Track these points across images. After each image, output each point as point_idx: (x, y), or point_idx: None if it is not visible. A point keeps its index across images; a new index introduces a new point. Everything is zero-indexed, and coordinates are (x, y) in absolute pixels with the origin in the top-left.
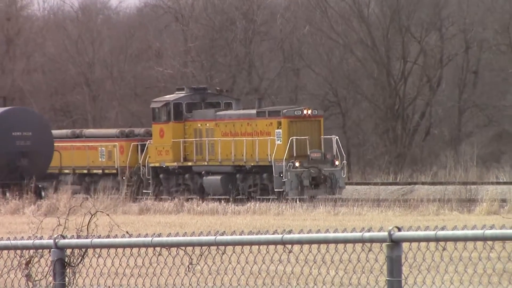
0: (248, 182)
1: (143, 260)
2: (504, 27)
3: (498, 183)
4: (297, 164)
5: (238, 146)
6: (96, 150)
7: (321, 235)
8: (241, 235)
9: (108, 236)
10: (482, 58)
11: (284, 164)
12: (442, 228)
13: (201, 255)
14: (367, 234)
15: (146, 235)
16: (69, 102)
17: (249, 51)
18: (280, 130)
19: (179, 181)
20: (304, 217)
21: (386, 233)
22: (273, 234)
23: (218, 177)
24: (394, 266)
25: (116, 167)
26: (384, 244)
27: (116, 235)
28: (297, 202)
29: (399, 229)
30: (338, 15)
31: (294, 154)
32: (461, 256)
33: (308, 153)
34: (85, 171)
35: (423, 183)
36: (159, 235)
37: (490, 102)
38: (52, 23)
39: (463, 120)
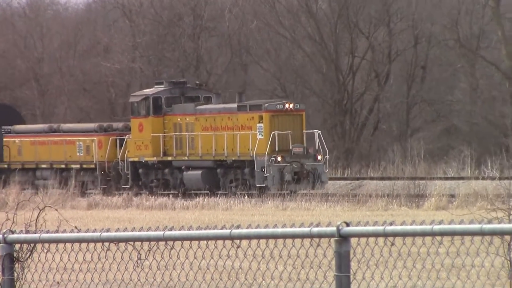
0: (229, 177)
1: (91, 255)
2: (452, 22)
3: (446, 178)
4: (279, 158)
5: (219, 141)
6: (73, 145)
7: (270, 230)
8: (189, 230)
9: (56, 231)
10: (430, 53)
11: (266, 158)
12: (391, 223)
13: (150, 250)
14: (315, 229)
15: (95, 230)
16: (18, 97)
17: (197, 47)
18: (262, 125)
19: (159, 176)
20: (252, 212)
21: (334, 228)
22: (221, 229)
23: (199, 172)
24: (343, 261)
25: (94, 161)
26: (332, 239)
27: (65, 230)
28: (246, 197)
29: (348, 224)
30: (286, 10)
31: (276, 149)
32: (409, 251)
33: (290, 147)
34: (63, 166)
35: (371, 178)
36: (108, 230)
37: (438, 97)
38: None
39: (411, 115)
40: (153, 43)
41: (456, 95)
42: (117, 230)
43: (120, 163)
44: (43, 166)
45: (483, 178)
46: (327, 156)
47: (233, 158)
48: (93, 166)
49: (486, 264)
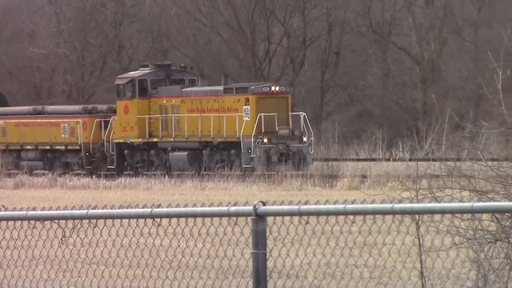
0: (215, 158)
1: (18, 233)
2: (365, 9)
3: (358, 159)
4: (265, 140)
5: (205, 122)
6: (58, 127)
7: (189, 209)
8: (112, 209)
9: None
10: (343, 39)
11: (252, 140)
12: (305, 203)
13: (74, 228)
14: (233, 209)
15: (21, 209)
16: None
17: (119, 33)
18: (248, 107)
19: (144, 157)
20: (172, 191)
21: (251, 208)
22: (142, 208)
23: (185, 153)
24: (259, 239)
25: (79, 143)
26: (249, 218)
27: None
28: (166, 177)
29: (264, 204)
30: (206, 0)
31: (263, 131)
32: (323, 230)
33: (276, 129)
34: (48, 147)
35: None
36: (34, 209)
37: (351, 82)
38: None
39: (325, 99)
40: (77, 29)
41: (368, 80)
42: (43, 208)
43: (105, 144)
44: (28, 147)
45: (394, 160)
46: (312, 138)
47: (220, 140)
48: (77, 147)
49: (397, 242)
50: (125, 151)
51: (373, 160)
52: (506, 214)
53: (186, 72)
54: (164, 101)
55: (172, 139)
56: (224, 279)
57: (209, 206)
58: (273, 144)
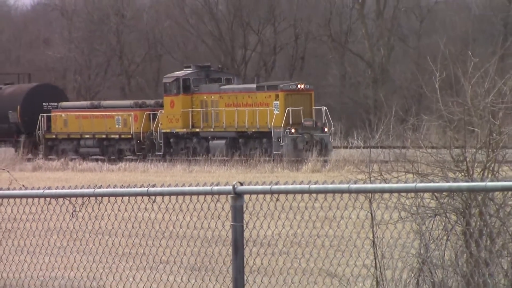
0: (249, 146)
1: (36, 208)
2: (326, 21)
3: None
4: (292, 130)
5: (241, 115)
6: (113, 119)
7: (179, 188)
8: (114, 188)
9: (8, 189)
10: (307, 47)
11: (281, 130)
12: (276, 183)
13: (83, 204)
14: (215, 188)
15: (39, 188)
16: None
17: (120, 40)
18: (278, 102)
19: (187, 145)
20: (165, 174)
21: (230, 187)
22: (140, 187)
23: (223, 141)
24: (237, 214)
25: (131, 132)
26: (229, 196)
27: (14, 187)
28: (160, 162)
29: (241, 184)
30: (193, 12)
31: (290, 122)
32: (291, 206)
33: (302, 121)
34: (104, 136)
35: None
36: (49, 188)
37: (315, 82)
38: None
39: None
40: (85, 37)
41: (328, 80)
42: (57, 188)
43: (153, 134)
44: (87, 136)
45: (350, 147)
46: (333, 128)
47: (253, 130)
48: (130, 136)
49: (352, 216)
50: (171, 140)
51: (333, 147)
52: (444, 193)
53: (223, 72)
54: (205, 97)
55: (212, 129)
56: (208, 246)
57: (196, 186)
58: (299, 134)
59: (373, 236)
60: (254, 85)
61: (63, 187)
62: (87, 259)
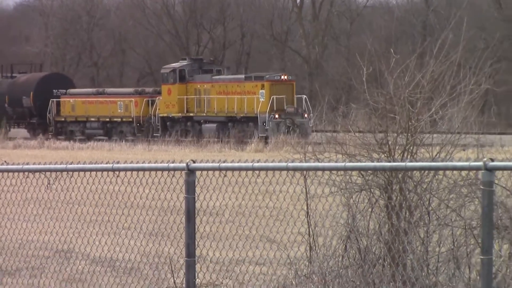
0: (237, 129)
1: (15, 181)
2: (268, 22)
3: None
4: (276, 116)
5: (230, 102)
6: (115, 104)
7: (139, 165)
8: (84, 164)
9: None
10: (252, 44)
11: (266, 115)
12: (224, 161)
13: (56, 178)
14: (171, 165)
15: (19, 163)
16: None
17: (90, 37)
18: (264, 91)
19: (182, 127)
20: (127, 152)
21: (184, 164)
22: (106, 164)
23: (214, 125)
24: (190, 187)
25: (132, 116)
26: (183, 172)
27: None
28: (123, 142)
29: (194, 162)
30: (153, 13)
31: (274, 109)
32: (236, 181)
33: (285, 108)
34: (107, 119)
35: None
36: (27, 164)
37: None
38: None
39: None
40: (60, 34)
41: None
42: (34, 163)
43: (152, 118)
44: (92, 119)
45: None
46: (312, 114)
47: (241, 115)
48: (130, 119)
49: (290, 190)
50: (168, 123)
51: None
52: (369, 171)
53: (214, 64)
54: (198, 86)
55: (204, 114)
56: (164, 215)
57: (154, 163)
58: (282, 119)
59: (307, 208)
60: (242, 76)
61: (39, 163)
62: (59, 225)
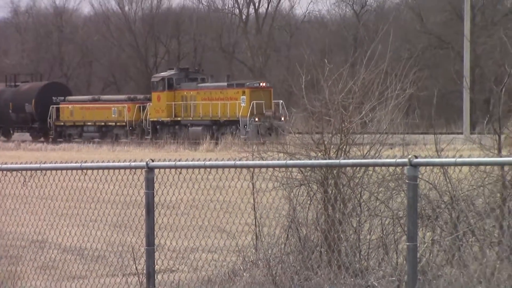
0: (221, 131)
1: None
2: (218, 36)
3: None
4: (256, 119)
5: (214, 107)
6: (110, 110)
7: (105, 164)
8: (55, 163)
9: None
10: (204, 55)
11: (247, 119)
12: (179, 160)
13: (31, 176)
14: (133, 163)
15: None
16: None
17: (61, 50)
18: (245, 97)
19: (170, 131)
20: (94, 152)
21: (144, 163)
22: (75, 163)
23: (200, 128)
24: (149, 183)
25: (125, 121)
26: (143, 170)
27: None
28: (90, 143)
29: (153, 160)
30: (116, 28)
31: (254, 113)
32: (190, 177)
33: (264, 112)
34: (103, 124)
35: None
36: (5, 163)
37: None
38: None
39: None
40: (34, 48)
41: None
42: (11, 163)
43: (143, 122)
44: (89, 123)
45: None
46: (288, 117)
47: (224, 119)
48: (124, 124)
49: (238, 185)
50: (158, 127)
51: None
52: (307, 168)
53: (199, 73)
54: (185, 93)
55: (191, 118)
56: (127, 209)
57: (118, 162)
58: (261, 122)
59: (253, 201)
60: (225, 83)
61: (16, 163)
62: (34, 218)
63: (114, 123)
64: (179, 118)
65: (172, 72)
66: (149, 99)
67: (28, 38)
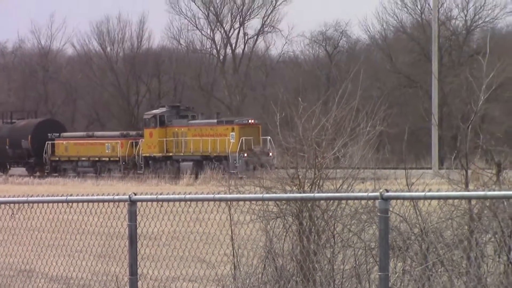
0: (211, 166)
1: None
2: (196, 75)
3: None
4: (245, 154)
5: (205, 143)
6: (103, 145)
7: (89, 197)
8: (42, 197)
9: None
10: (183, 95)
11: (236, 154)
12: (161, 194)
13: (19, 209)
14: (116, 197)
15: None
16: None
17: (45, 89)
18: (234, 133)
19: (162, 165)
20: (79, 186)
21: (127, 196)
22: (61, 196)
23: (191, 163)
24: (132, 216)
25: (118, 156)
26: (126, 203)
27: None
28: (76, 178)
29: (135, 194)
30: (98, 68)
31: (244, 148)
32: (171, 210)
33: (252, 147)
34: (97, 159)
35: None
36: None
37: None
38: None
39: None
40: (20, 87)
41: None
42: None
43: (136, 157)
44: (83, 159)
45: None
46: (275, 153)
47: (215, 154)
48: (117, 159)
49: (216, 218)
50: (150, 162)
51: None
52: (283, 201)
53: (189, 110)
54: (176, 129)
55: (182, 154)
56: (111, 239)
57: (102, 195)
58: (250, 157)
59: (231, 233)
60: (215, 120)
61: (4, 196)
62: (22, 249)
63: (108, 158)
64: (170, 154)
65: (163, 109)
66: (141, 135)
67: (14, 77)
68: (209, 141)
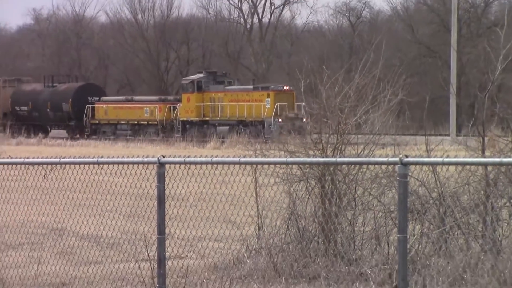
0: (246, 131)
1: (19, 172)
2: (224, 43)
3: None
4: (280, 120)
5: (240, 108)
6: (142, 109)
7: (120, 159)
8: (74, 158)
9: None
10: (211, 61)
11: (271, 120)
12: (188, 156)
13: (52, 169)
14: (146, 159)
15: (21, 158)
16: None
17: (79, 54)
18: (269, 99)
19: (199, 130)
20: (109, 148)
21: (156, 159)
22: (92, 158)
23: (227, 127)
24: (161, 177)
25: (156, 120)
26: (155, 165)
27: (4, 157)
28: (107, 140)
29: (164, 157)
30: (129, 35)
31: (278, 114)
32: (198, 172)
33: (287, 113)
34: (135, 122)
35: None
36: (28, 158)
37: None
38: None
39: None
40: (54, 52)
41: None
42: (33, 157)
43: (173, 121)
44: (122, 122)
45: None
46: (309, 119)
47: (250, 119)
48: (155, 123)
49: (242, 180)
50: (187, 126)
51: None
52: (306, 165)
53: (226, 76)
54: (213, 95)
55: (218, 118)
56: (140, 200)
57: (132, 157)
58: (284, 122)
59: (256, 195)
60: (251, 86)
61: (38, 157)
62: (54, 208)
63: (146, 122)
64: (207, 118)
65: (201, 75)
66: (179, 100)
67: (49, 43)
68: (245, 107)
